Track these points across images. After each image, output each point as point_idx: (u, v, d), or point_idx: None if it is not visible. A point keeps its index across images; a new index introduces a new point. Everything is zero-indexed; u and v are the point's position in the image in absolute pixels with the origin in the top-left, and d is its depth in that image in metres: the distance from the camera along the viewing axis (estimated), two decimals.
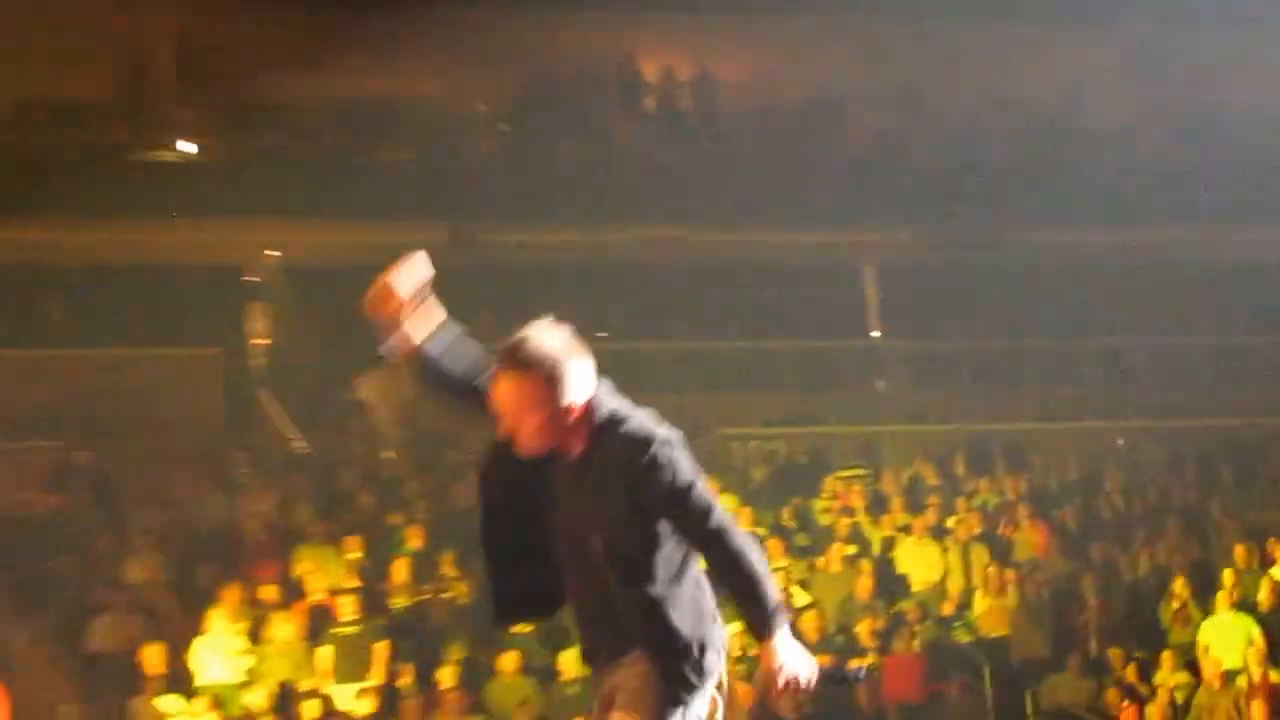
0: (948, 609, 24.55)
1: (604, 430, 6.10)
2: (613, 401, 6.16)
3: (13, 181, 29.18)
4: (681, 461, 6.03)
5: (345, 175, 31.01)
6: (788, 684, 6.04)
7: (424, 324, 6.33)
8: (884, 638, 23.25)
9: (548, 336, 5.98)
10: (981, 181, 33.17)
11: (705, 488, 6.11)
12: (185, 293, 31.94)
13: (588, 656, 6.68)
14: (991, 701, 22.76)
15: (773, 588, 6.06)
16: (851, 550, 25.09)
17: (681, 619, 6.29)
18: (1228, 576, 24.02)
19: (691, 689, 6.28)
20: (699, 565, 6.37)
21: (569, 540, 6.25)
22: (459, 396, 6.39)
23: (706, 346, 32.46)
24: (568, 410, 6.00)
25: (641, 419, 6.11)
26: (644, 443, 6.00)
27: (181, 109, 32.21)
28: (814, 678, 6.13)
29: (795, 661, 6.10)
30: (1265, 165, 33.33)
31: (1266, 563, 24.81)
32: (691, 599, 6.34)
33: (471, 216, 31.24)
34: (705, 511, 6.11)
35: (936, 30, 33.33)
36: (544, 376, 5.93)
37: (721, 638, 6.41)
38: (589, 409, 6.07)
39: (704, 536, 6.11)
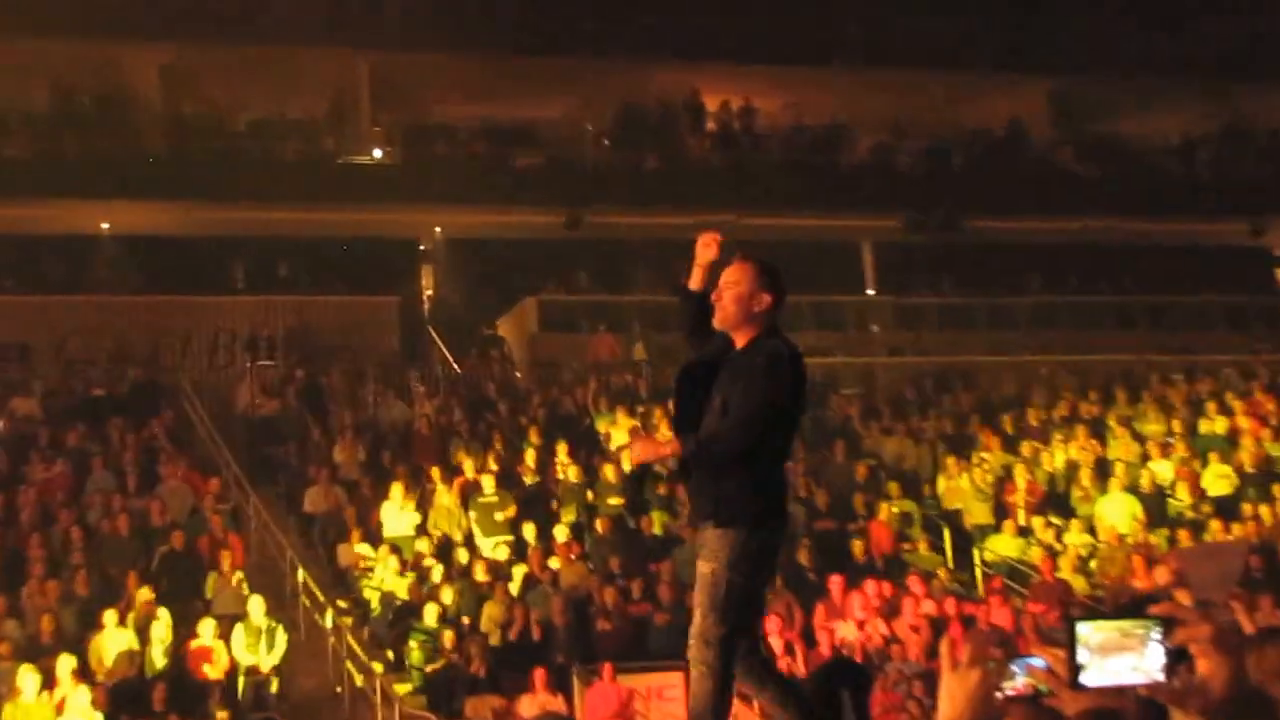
0: (926, 490, 24.60)
1: (763, 338, 6.36)
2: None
3: (256, 179, 29.41)
4: (769, 379, 6.22)
5: (491, 174, 31.05)
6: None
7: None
8: (869, 508, 23.30)
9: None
10: (947, 184, 33.12)
11: (759, 409, 6.10)
12: (376, 258, 32.05)
13: (689, 518, 6.92)
14: (950, 554, 22.76)
15: (702, 454, 6.27)
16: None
17: (734, 493, 6.25)
18: (1119, 468, 24.05)
19: (734, 566, 6.20)
20: (779, 469, 6.37)
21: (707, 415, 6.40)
22: (700, 314, 6.59)
23: None
24: (759, 297, 6.38)
25: (785, 343, 6.36)
26: (766, 350, 6.29)
27: (377, 127, 32.36)
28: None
29: (641, 447, 7.12)
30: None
31: (1145, 459, 24.83)
32: (753, 486, 6.29)
33: (582, 205, 31.28)
34: (736, 415, 6.14)
35: (918, 75, 33.24)
36: (756, 268, 6.50)
37: (770, 538, 6.34)
38: (766, 316, 6.40)
39: (721, 424, 6.19)
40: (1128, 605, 17.45)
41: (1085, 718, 3.18)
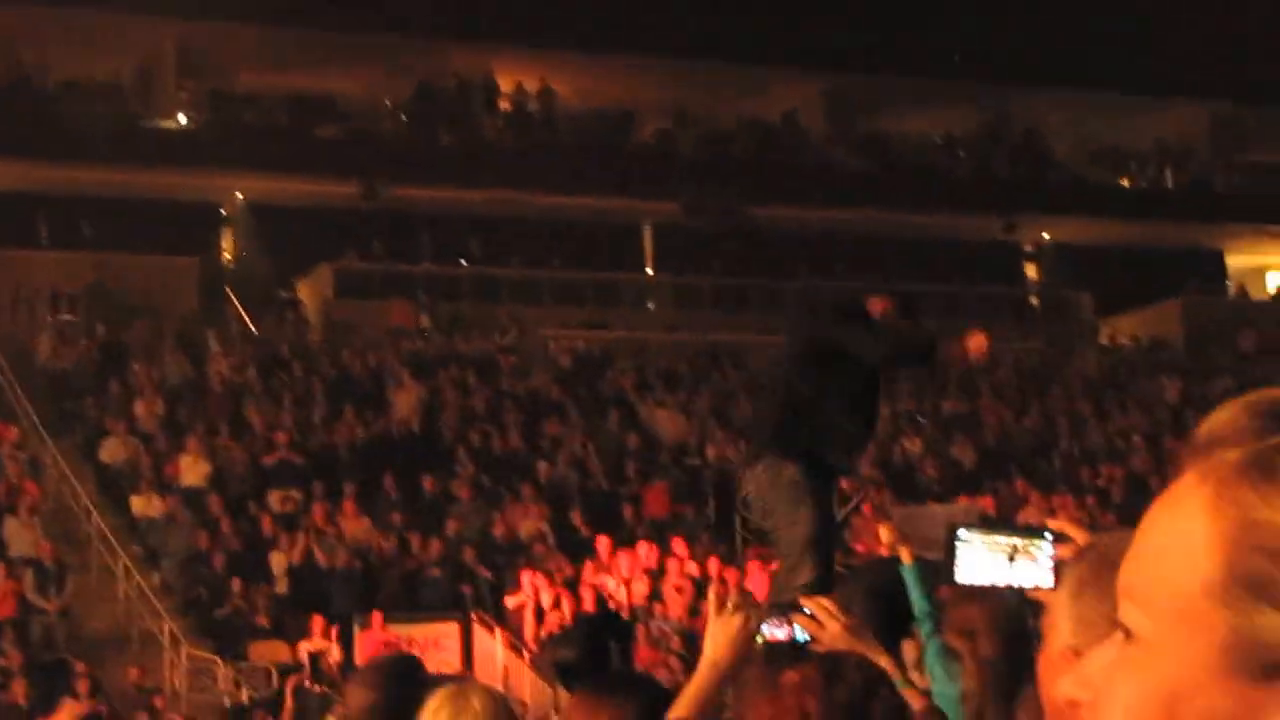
0: (694, 459, 25.26)
1: None
2: None
3: (63, 138, 29.10)
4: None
5: (292, 143, 31.06)
6: None
7: None
8: (640, 474, 23.91)
9: None
10: (725, 171, 33.71)
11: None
12: (178, 220, 31.83)
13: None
14: (714, 520, 23.41)
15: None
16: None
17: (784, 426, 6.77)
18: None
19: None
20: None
21: None
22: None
23: (533, 274, 32.75)
24: None
25: None
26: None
27: (182, 92, 32.12)
28: None
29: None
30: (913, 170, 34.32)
31: (897, 435, 25.72)
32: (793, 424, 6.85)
33: (379, 176, 31.42)
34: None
35: (702, 66, 33.78)
36: None
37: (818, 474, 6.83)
38: None
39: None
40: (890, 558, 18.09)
41: (823, 661, 3.13)
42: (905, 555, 6.49)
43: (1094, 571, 2.19)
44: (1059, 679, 2.16)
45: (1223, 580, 0.98)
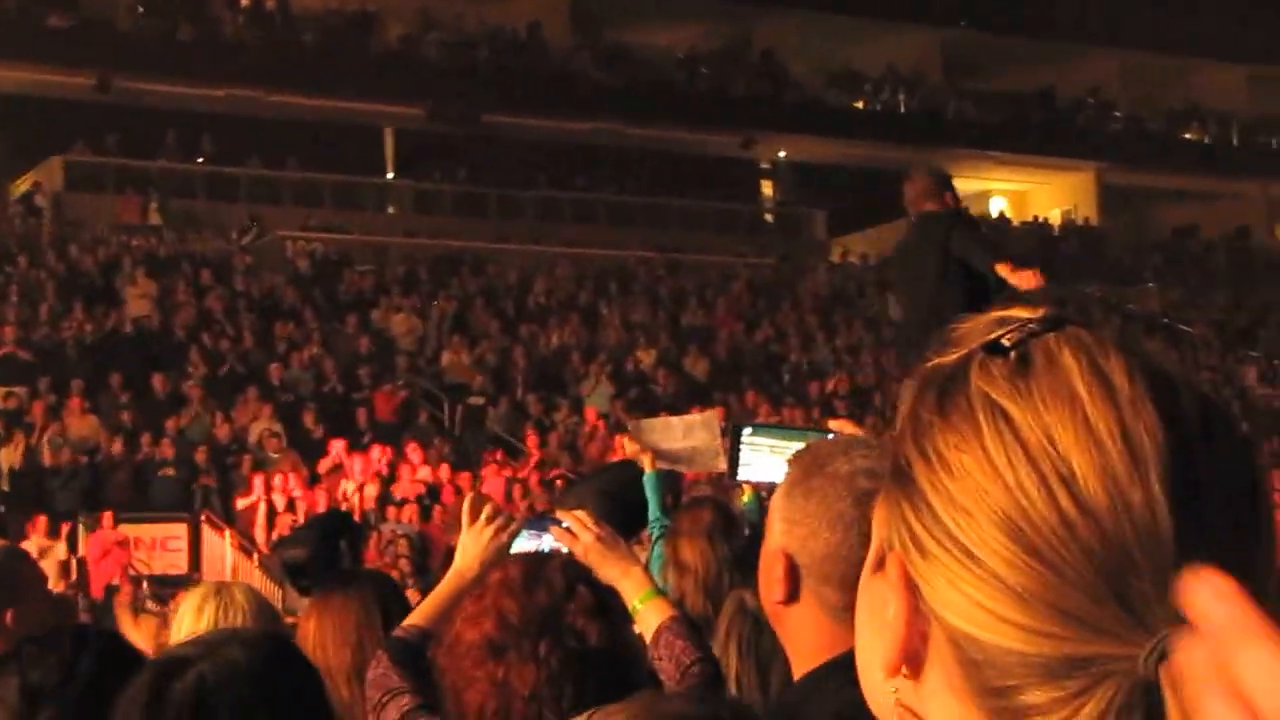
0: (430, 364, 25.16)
1: None
2: None
3: None
4: None
5: (23, 32, 29.83)
6: None
7: None
8: (375, 378, 23.75)
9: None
10: (468, 78, 33.48)
11: None
12: None
13: None
14: (449, 425, 23.40)
15: None
16: None
17: None
18: (607, 354, 24.98)
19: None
20: None
21: None
22: None
23: (271, 174, 32.19)
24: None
25: None
26: None
27: None
28: None
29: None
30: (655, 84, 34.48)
31: (632, 346, 25.92)
32: None
33: (113, 68, 30.50)
34: None
35: None
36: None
37: None
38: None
39: None
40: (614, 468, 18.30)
41: (527, 563, 2.93)
42: (647, 464, 6.56)
43: (804, 473, 2.24)
44: (770, 576, 2.24)
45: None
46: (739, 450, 3.44)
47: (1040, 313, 0.98)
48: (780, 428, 3.18)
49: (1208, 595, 0.60)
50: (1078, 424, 0.91)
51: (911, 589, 0.94)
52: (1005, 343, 0.95)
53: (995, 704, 0.90)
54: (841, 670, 2.00)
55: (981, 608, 0.90)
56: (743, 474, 3.49)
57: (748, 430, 3.43)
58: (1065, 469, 0.89)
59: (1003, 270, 7.21)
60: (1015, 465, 0.91)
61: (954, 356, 0.98)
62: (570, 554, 3.15)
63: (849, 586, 2.05)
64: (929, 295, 7.51)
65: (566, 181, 34.89)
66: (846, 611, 2.07)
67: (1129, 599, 0.87)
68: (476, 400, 24.12)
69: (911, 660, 0.96)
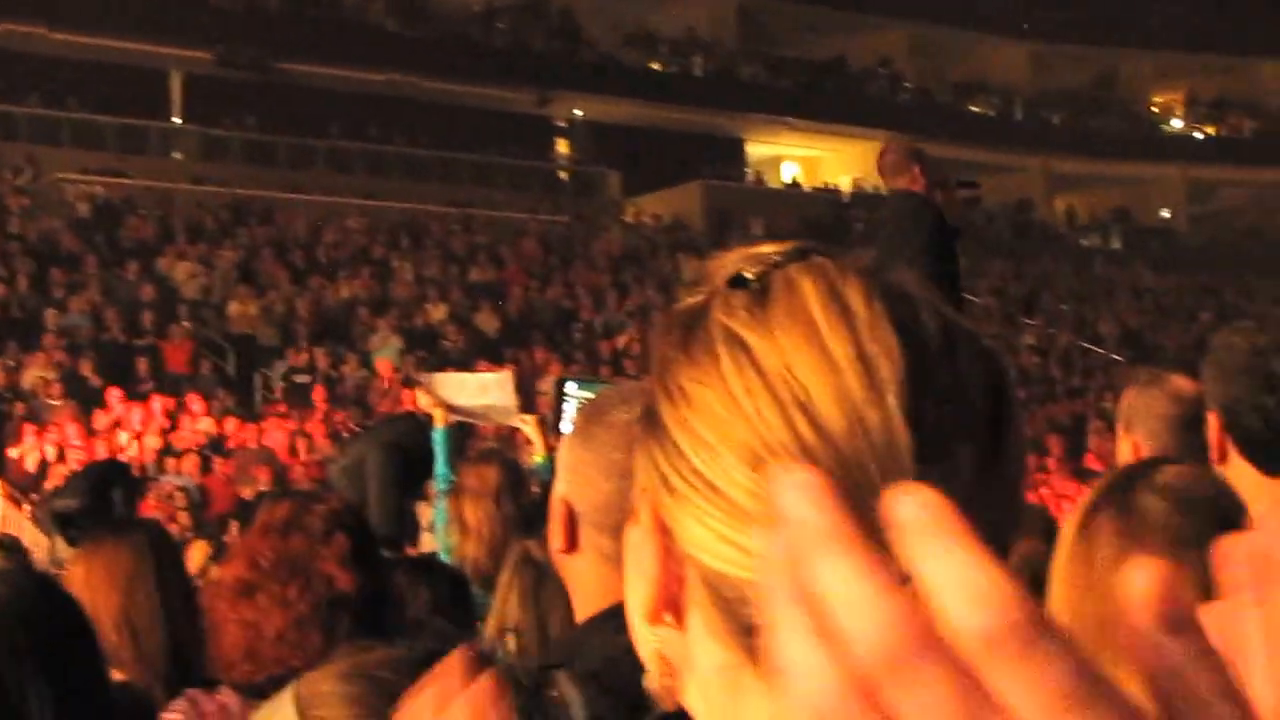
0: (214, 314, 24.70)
1: None
2: None
3: None
4: None
5: None
6: None
7: None
8: (157, 327, 23.26)
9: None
10: (260, 23, 32.92)
11: None
12: None
13: None
14: (234, 376, 23.02)
15: None
16: None
17: None
18: (397, 308, 24.78)
19: None
20: None
21: None
22: None
23: (51, 114, 31.32)
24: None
25: None
26: None
27: None
28: None
29: None
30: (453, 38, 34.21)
31: (423, 300, 25.77)
32: None
33: None
34: None
35: None
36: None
37: None
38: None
39: None
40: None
41: (292, 507, 2.97)
42: (439, 418, 6.49)
43: (584, 421, 2.26)
44: (553, 525, 2.25)
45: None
46: (562, 404, 3.46)
47: (787, 246, 0.97)
48: (605, 381, 3.21)
49: (907, 505, 0.56)
50: (813, 349, 0.89)
51: (664, 532, 0.92)
52: (748, 275, 0.94)
53: (754, 642, 0.88)
54: (615, 617, 2.00)
55: (729, 543, 0.88)
56: (565, 428, 3.50)
57: (572, 384, 3.45)
58: (802, 394, 0.88)
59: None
60: (754, 394, 0.89)
61: (695, 296, 0.97)
62: (341, 499, 3.08)
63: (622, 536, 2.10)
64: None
65: (359, 132, 34.46)
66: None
67: (870, 522, 0.85)
68: (262, 352, 23.77)
69: (672, 607, 0.93)
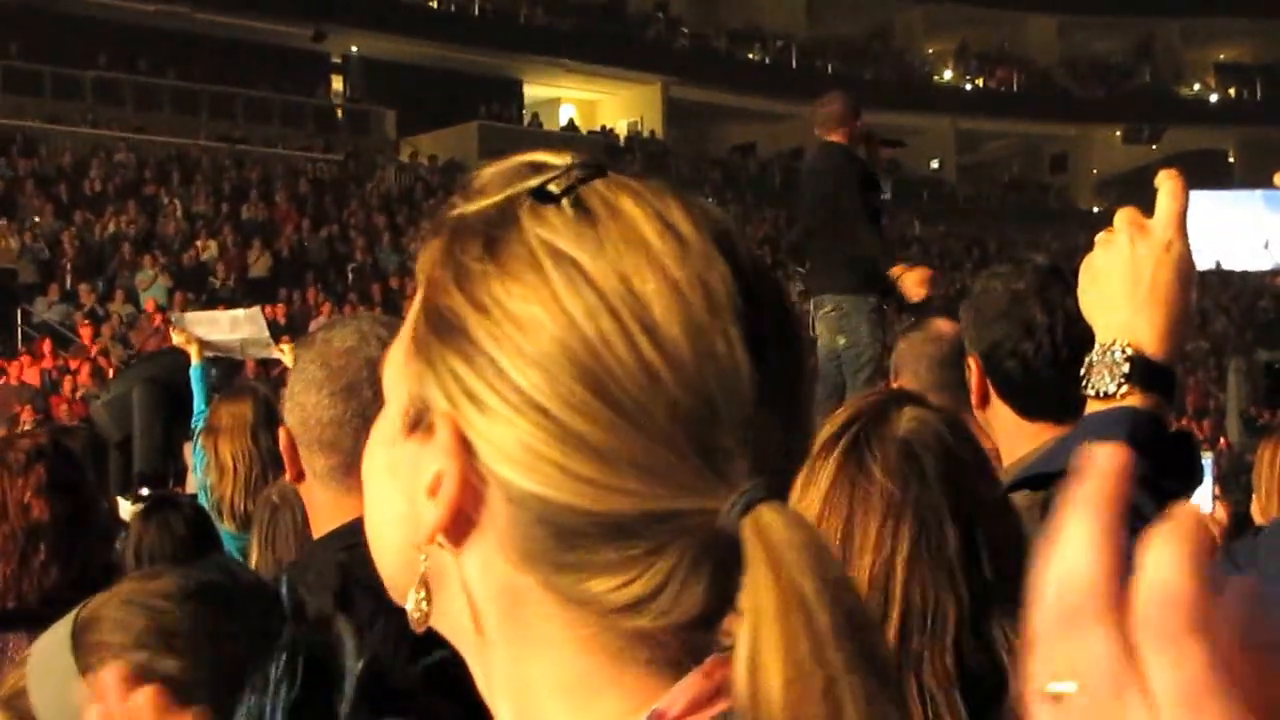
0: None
1: None
2: None
3: None
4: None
5: None
6: None
7: None
8: None
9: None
10: None
11: None
12: None
13: None
14: None
15: None
16: None
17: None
18: (163, 244, 24.18)
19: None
20: None
21: None
22: None
23: None
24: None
25: None
26: None
27: None
28: None
29: None
30: None
31: (193, 238, 25.20)
32: None
33: None
34: None
35: None
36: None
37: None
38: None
39: None
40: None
41: None
42: (194, 354, 6.40)
43: (300, 348, 2.32)
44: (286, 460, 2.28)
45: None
46: None
47: (571, 158, 0.94)
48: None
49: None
50: (655, 272, 0.86)
51: (466, 449, 0.87)
52: (553, 189, 0.90)
53: (558, 562, 0.86)
54: (341, 537, 2.08)
55: (553, 463, 0.84)
56: None
57: None
58: (648, 318, 0.85)
59: (896, 272, 7.47)
60: (595, 315, 0.85)
61: (485, 203, 0.92)
62: (53, 433, 3.27)
63: (336, 450, 2.14)
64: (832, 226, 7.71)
65: (129, 63, 33.52)
66: (337, 474, 2.13)
67: (711, 453, 0.84)
68: (23, 288, 23.02)
69: (457, 526, 0.88)
